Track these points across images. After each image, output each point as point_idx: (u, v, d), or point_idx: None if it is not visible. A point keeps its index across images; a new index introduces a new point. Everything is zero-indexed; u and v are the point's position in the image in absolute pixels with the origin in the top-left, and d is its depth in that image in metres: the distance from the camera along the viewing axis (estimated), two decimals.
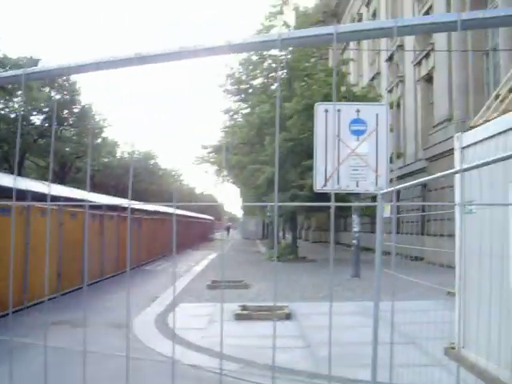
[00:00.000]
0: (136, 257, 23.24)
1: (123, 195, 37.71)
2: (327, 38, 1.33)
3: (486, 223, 6.16)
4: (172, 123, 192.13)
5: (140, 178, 55.75)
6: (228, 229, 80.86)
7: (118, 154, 59.83)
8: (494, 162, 3.73)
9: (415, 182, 4.32)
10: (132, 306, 11.85)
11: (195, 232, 48.51)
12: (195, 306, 12.09)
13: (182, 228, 38.68)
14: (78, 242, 15.64)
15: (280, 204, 1.50)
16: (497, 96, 8.02)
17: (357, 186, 17.13)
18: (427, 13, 28.58)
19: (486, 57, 22.89)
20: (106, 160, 53.51)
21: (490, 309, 6.01)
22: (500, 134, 6.11)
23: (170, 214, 33.44)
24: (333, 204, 1.56)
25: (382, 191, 4.52)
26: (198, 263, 24.99)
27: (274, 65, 28.08)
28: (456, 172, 4.74)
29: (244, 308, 11.02)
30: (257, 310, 10.84)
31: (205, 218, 60.23)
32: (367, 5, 42.67)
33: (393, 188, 4.02)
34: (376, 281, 4.98)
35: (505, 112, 6.82)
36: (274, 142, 23.39)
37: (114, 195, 40.33)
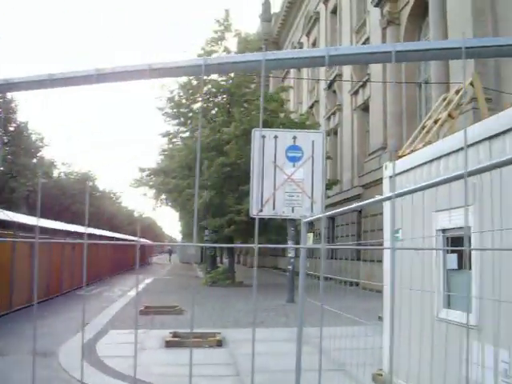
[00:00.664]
0: (70, 281, 22.65)
1: (59, 217, 36.76)
2: (256, 64, 1.33)
3: (413, 252, 6.31)
4: (111, 145, 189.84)
5: (76, 200, 54.50)
6: (170, 252, 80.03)
7: (55, 175, 58.42)
8: (415, 190, 3.84)
9: (338, 210, 4.41)
10: (60, 333, 11.51)
11: (131, 256, 47.66)
12: (126, 333, 11.83)
13: (119, 252, 38.01)
14: (6, 267, 15.12)
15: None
16: (423, 127, 8.30)
17: (292, 211, 17.26)
18: (364, 44, 29.45)
19: (419, 88, 23.72)
20: (41, 180, 52.03)
21: (420, 336, 6.12)
22: (424, 164, 6.32)
23: (102, 237, 32.84)
24: (256, 246, 1.55)
25: (305, 219, 4.58)
26: (132, 288, 24.55)
27: (213, 89, 28.19)
28: (380, 200, 4.85)
29: (175, 335, 10.86)
30: (188, 337, 10.71)
31: (143, 242, 59.35)
32: (307, 34, 43.62)
33: (315, 216, 4.09)
34: (299, 308, 5.01)
35: (429, 143, 7.06)
36: (213, 167, 23.42)
37: (50, 217, 39.26)
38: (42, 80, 1.43)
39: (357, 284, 22.31)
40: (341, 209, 4.72)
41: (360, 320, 6.53)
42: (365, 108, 29.53)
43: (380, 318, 11.27)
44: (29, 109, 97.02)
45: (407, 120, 23.64)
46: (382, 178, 24.18)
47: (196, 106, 29.95)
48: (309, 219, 4.93)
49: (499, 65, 16.44)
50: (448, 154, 5.73)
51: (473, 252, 5.08)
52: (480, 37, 17.25)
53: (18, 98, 44.04)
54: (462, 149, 5.43)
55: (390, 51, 1.20)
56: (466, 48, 1.17)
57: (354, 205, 3.42)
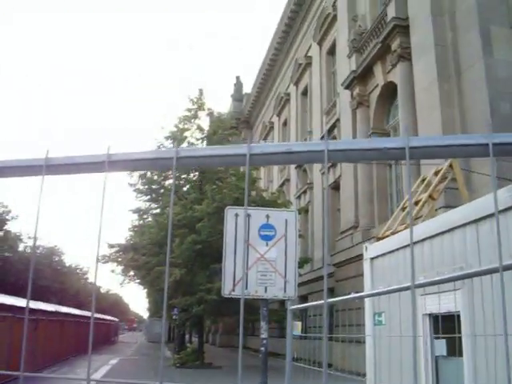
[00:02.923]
0: (31, 361, 21.62)
1: (22, 292, 35.64)
2: (240, 159, 1.16)
3: (395, 334, 6.13)
4: (79, 219, 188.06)
5: (41, 275, 53.17)
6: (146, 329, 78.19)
7: (21, 248, 57.20)
8: (395, 291, 3.71)
9: (318, 302, 4.21)
10: None
11: (97, 334, 46.15)
12: None
13: (81, 330, 36.74)
14: None
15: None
16: (403, 208, 8.30)
17: (265, 291, 17.02)
18: (334, 126, 30.13)
19: (389, 168, 24.11)
20: (6, 254, 50.89)
21: None
22: (407, 246, 6.24)
23: (70, 315, 31.83)
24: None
25: (291, 307, 4.40)
26: (97, 370, 23.54)
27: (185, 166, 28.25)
28: (366, 296, 4.71)
29: None
30: None
31: (108, 319, 57.67)
32: (278, 114, 44.59)
33: (301, 306, 3.91)
34: None
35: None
36: (184, 244, 23.12)
37: (13, 292, 38.05)
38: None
39: (330, 365, 21.85)
40: (341, 297, 4.55)
41: None
42: (335, 187, 29.83)
43: None
44: None
45: (378, 199, 23.88)
46: (354, 257, 24.11)
47: (168, 182, 29.95)
48: (295, 307, 4.74)
49: None
50: (431, 237, 5.67)
51: (464, 338, 4.91)
52: (447, 120, 17.83)
53: None
54: (446, 232, 5.38)
55: (403, 147, 1.07)
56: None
57: (356, 294, 3.26)
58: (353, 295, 4.37)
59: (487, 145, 1.01)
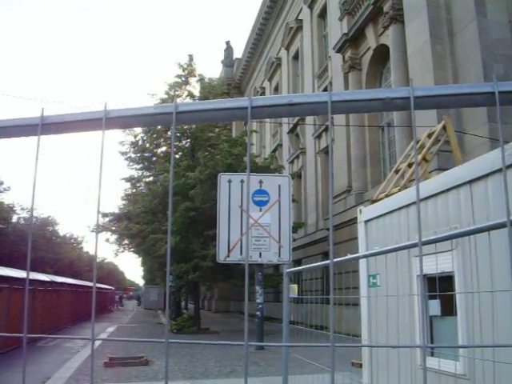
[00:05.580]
0: (29, 331, 21.75)
1: (18, 263, 35.72)
2: (242, 112, 1.12)
3: (390, 295, 6.18)
4: (72, 189, 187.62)
5: (36, 246, 53.25)
6: (139, 298, 78.94)
7: (14, 220, 57.16)
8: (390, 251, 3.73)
9: (322, 263, 4.24)
10: None
11: (98, 302, 46.44)
12: None
13: (77, 299, 36.98)
14: None
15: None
16: (396, 170, 8.28)
17: (260, 256, 17.16)
18: (326, 90, 29.92)
19: (382, 132, 24.08)
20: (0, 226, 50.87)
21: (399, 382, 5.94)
22: (401, 208, 6.25)
23: (66, 285, 31.96)
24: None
25: (287, 270, 4.42)
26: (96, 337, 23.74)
27: (178, 134, 28.17)
28: (361, 257, 4.73)
29: None
30: None
31: (103, 288, 58.01)
32: (270, 79, 44.25)
33: (298, 268, 3.93)
34: (283, 357, 4.80)
35: (405, 186, 7.02)
36: (177, 212, 23.13)
37: (9, 264, 38.13)
38: None
39: (326, 327, 22.07)
40: (324, 262, 4.57)
41: (326, 368, 6.30)
42: (328, 151, 29.80)
43: (355, 365, 11.08)
44: None
45: (371, 163, 23.89)
46: (347, 221, 24.24)
47: (160, 150, 29.85)
48: (292, 270, 4.76)
49: (461, 108, 16.80)
50: (426, 199, 5.67)
51: (457, 298, 4.96)
52: (440, 82, 17.73)
53: None
54: (440, 193, 5.38)
55: (408, 96, 1.05)
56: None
57: (362, 253, 3.28)
58: (359, 253, 4.39)
59: (493, 93, 0.98)
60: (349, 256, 3.82)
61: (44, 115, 1.12)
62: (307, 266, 4.22)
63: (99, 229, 34.55)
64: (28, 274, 1.32)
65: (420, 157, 8.09)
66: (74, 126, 1.14)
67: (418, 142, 9.10)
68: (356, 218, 7.48)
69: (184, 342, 1.16)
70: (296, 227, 27.00)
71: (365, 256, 5.10)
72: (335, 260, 4.03)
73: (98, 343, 20.92)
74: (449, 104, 1.04)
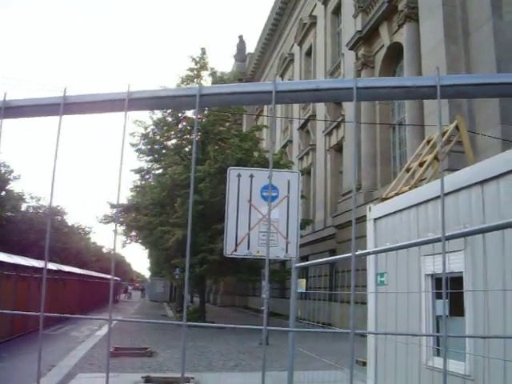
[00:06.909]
0: (33, 320, 21.90)
1: (26, 251, 35.91)
2: (266, 96, 1.10)
3: (398, 294, 6.16)
4: (81, 179, 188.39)
5: (44, 235, 53.36)
6: (143, 290, 79.40)
7: (23, 208, 57.37)
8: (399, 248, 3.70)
9: (329, 259, 4.23)
10: (23, 377, 11.00)
11: (99, 293, 46.66)
12: (95, 377, 11.35)
13: (85, 289, 37.16)
14: None
15: None
16: (407, 169, 8.25)
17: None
18: None
19: (393, 131, 24.00)
20: (9, 214, 51.05)
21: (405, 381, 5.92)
22: (411, 207, 6.23)
23: (70, 273, 32.08)
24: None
25: (296, 264, 4.41)
26: (101, 327, 23.86)
27: (188, 127, 28.19)
28: (368, 254, 4.71)
29: (147, 379, 10.44)
30: (161, 382, 10.31)
31: (110, 279, 58.13)
32: (282, 75, 44.13)
33: (307, 263, 3.91)
34: (290, 352, 4.79)
35: (416, 185, 6.98)
36: (186, 204, 23.16)
37: (17, 252, 38.34)
38: None
39: (329, 324, 22.12)
40: (333, 257, 4.56)
41: (339, 365, 6.30)
42: (338, 149, 29.75)
43: (358, 362, 11.06)
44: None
45: (381, 162, 23.82)
46: (356, 219, 24.38)
47: (170, 142, 29.86)
48: (301, 264, 4.75)
49: (473, 109, 16.71)
50: (436, 198, 5.64)
51: (465, 297, 4.94)
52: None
53: None
54: (451, 193, 5.35)
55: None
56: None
57: (385, 247, 3.28)
58: (385, 247, 4.38)
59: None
60: (383, 247, 3.80)
61: (66, 95, 1.11)
62: (317, 260, 4.22)
63: (107, 219, 34.67)
64: (46, 264, 1.32)
65: (431, 156, 8.05)
66: (96, 106, 1.13)
67: (429, 142, 9.06)
68: (364, 217, 7.46)
69: (202, 326, 1.17)
70: (304, 224, 26.98)
71: (385, 250, 5.08)
72: (365, 251, 4.05)
73: (105, 331, 21.03)
74: (476, 94, 1.03)
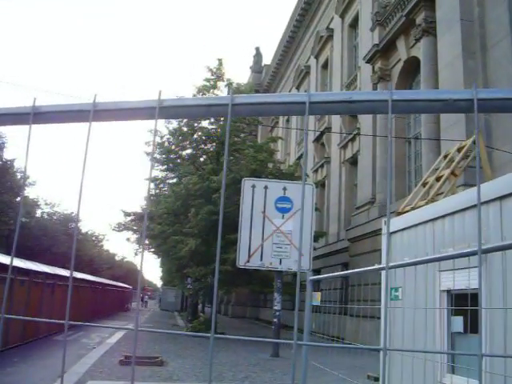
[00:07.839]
0: (45, 326, 21.98)
1: (39, 257, 36.09)
2: (299, 107, 1.09)
3: (411, 309, 6.11)
4: (95, 187, 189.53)
5: (58, 242, 53.69)
6: (160, 299, 79.49)
7: (38, 215, 57.74)
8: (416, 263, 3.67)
9: (354, 271, 4.20)
10: (35, 382, 11.02)
11: (111, 301, 46.76)
12: None
13: (96, 296, 37.25)
14: None
15: None
16: (424, 184, 8.20)
17: (280, 263, 17.10)
18: None
19: (408, 145, 23.90)
20: (23, 220, 51.41)
21: None
22: (428, 221, 6.18)
23: (83, 280, 32.16)
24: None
25: (311, 278, 4.38)
26: (112, 335, 23.88)
27: (203, 137, 28.29)
28: (381, 268, 4.68)
29: None
30: None
31: (122, 287, 58.33)
32: (298, 87, 44.20)
33: (321, 276, 3.89)
34: (303, 366, 4.75)
35: (433, 200, 6.94)
36: (199, 215, 23.20)
37: (30, 257, 38.51)
38: (23, 114, 1.20)
39: (342, 339, 21.94)
40: (347, 271, 4.54)
41: (350, 380, 6.25)
42: (353, 162, 29.68)
43: (370, 378, 10.98)
44: (16, 146, 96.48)
45: (396, 175, 23.72)
46: (369, 233, 24.05)
47: (185, 152, 29.98)
48: (315, 277, 4.72)
49: (490, 124, 16.60)
50: (453, 213, 5.59)
51: (482, 315, 4.87)
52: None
53: (6, 134, 43.59)
54: (467, 208, 5.30)
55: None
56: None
57: (416, 259, 3.26)
58: (416, 259, 4.35)
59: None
60: (416, 259, 3.77)
61: (96, 102, 1.11)
62: (332, 274, 4.19)
63: (120, 227, 34.78)
64: (72, 272, 1.31)
65: (448, 171, 8.00)
66: (126, 113, 1.13)
67: (446, 156, 9.01)
68: (378, 230, 7.42)
69: (229, 338, 1.15)
70: (317, 236, 26.90)
71: (415, 263, 5.04)
72: (397, 263, 4.01)
73: (115, 339, 21.05)
74: (511, 108, 1.01)
